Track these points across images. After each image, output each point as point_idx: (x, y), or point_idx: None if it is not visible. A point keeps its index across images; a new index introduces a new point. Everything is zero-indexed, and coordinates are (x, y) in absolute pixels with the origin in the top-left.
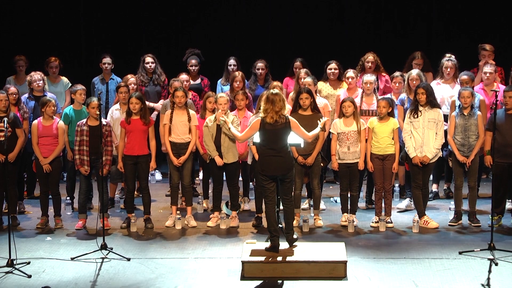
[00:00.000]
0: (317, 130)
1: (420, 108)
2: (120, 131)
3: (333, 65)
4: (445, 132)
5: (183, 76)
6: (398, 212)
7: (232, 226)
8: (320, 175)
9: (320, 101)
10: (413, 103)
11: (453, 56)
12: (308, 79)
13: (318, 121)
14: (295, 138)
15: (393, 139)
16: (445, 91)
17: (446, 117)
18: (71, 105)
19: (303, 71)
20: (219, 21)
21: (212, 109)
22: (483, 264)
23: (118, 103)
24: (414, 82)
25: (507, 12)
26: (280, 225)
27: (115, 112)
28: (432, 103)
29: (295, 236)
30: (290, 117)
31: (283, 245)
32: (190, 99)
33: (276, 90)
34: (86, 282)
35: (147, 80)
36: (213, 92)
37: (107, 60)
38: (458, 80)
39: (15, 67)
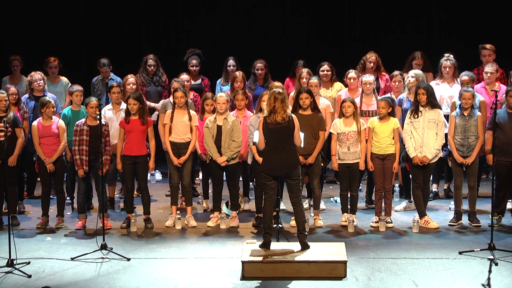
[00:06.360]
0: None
1: (421, 109)
2: (119, 131)
3: (325, 66)
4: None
5: (184, 76)
6: (397, 212)
7: (232, 226)
8: (320, 175)
9: (322, 102)
10: (414, 103)
11: (451, 56)
12: (314, 80)
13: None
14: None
15: (393, 139)
16: (444, 91)
17: (446, 117)
18: (70, 106)
19: (305, 70)
20: (219, 20)
21: (210, 110)
22: (483, 264)
23: (110, 103)
24: (413, 82)
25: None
26: (280, 225)
27: (108, 112)
28: (433, 103)
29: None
30: (294, 117)
31: (283, 244)
32: (191, 99)
33: (279, 90)
34: (86, 282)
35: (148, 80)
36: (211, 93)
37: (104, 61)
38: (458, 80)
39: (9, 67)
